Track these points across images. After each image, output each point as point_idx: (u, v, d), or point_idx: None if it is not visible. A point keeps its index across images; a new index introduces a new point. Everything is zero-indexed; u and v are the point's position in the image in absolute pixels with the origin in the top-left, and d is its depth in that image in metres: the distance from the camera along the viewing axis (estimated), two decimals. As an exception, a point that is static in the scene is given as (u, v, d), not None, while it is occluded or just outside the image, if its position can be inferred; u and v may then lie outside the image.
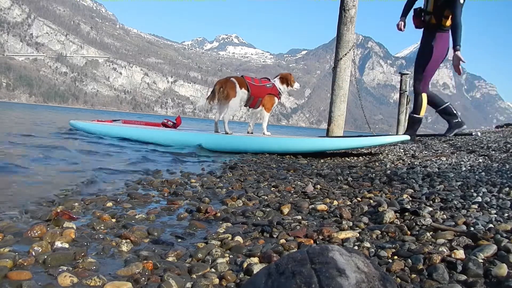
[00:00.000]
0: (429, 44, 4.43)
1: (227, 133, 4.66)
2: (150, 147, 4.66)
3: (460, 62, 4.06)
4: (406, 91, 9.85)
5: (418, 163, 3.16)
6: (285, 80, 4.48)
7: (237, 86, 4.24)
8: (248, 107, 4.60)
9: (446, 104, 4.68)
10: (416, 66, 4.65)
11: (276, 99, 4.56)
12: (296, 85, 4.66)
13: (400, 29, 4.78)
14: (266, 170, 3.10)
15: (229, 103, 4.20)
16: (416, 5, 4.65)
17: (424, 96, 4.51)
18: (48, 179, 2.33)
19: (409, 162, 3.33)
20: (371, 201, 1.87)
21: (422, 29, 4.61)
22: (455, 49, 4.14)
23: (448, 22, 4.30)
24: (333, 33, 6.14)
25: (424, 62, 4.45)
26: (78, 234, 1.28)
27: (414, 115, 4.59)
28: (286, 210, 1.74)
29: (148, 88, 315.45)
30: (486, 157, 3.14)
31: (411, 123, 4.63)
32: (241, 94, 4.28)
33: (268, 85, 4.40)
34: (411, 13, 4.67)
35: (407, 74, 9.51)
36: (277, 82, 4.43)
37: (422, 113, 4.54)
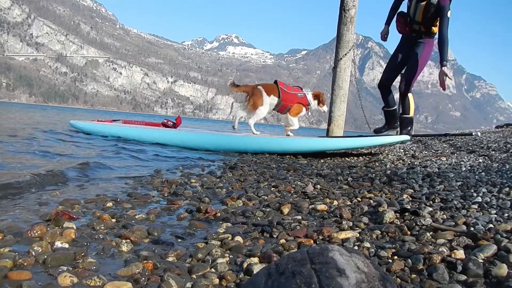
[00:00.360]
0: (417, 49, 4.48)
1: (254, 134, 4.69)
2: (149, 147, 4.66)
3: (446, 78, 4.14)
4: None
5: (418, 163, 3.16)
6: (317, 97, 4.56)
7: (264, 94, 4.31)
8: (276, 111, 4.66)
9: (394, 108, 4.81)
10: (391, 67, 4.69)
11: (304, 109, 4.62)
12: (325, 108, 4.73)
13: (384, 40, 4.83)
14: (266, 170, 3.10)
15: (256, 111, 4.29)
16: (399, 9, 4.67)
17: (410, 96, 4.59)
18: (48, 179, 2.32)
19: (409, 162, 3.34)
20: (371, 201, 1.87)
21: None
22: (442, 64, 4.21)
23: (437, 30, 4.36)
24: (333, 33, 6.14)
25: (412, 66, 4.50)
26: (78, 234, 1.28)
27: (405, 116, 4.65)
28: (286, 210, 1.74)
29: (148, 88, 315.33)
30: (486, 157, 3.14)
31: (404, 124, 4.67)
32: (269, 101, 4.36)
33: (299, 94, 4.49)
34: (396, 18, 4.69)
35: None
36: (309, 95, 4.52)
37: (412, 113, 4.62)
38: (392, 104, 4.81)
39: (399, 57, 4.64)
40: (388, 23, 4.76)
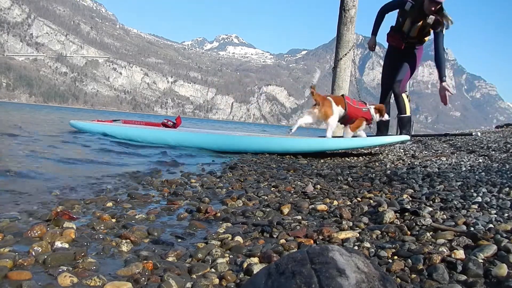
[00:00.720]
0: (411, 54, 4.66)
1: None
2: (149, 147, 4.66)
3: (447, 93, 4.25)
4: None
5: (418, 163, 3.16)
6: (379, 111, 4.63)
7: (334, 104, 4.37)
8: (340, 123, 4.70)
9: (388, 119, 4.95)
10: (387, 72, 4.86)
11: (364, 123, 4.68)
12: (386, 117, 4.80)
13: (372, 50, 4.95)
14: (266, 170, 3.10)
15: (328, 121, 4.34)
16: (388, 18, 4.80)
17: (404, 96, 4.72)
18: (49, 179, 2.32)
19: (409, 162, 3.34)
20: (371, 201, 1.87)
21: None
22: (441, 80, 4.33)
23: (428, 38, 4.55)
24: (333, 33, 6.13)
25: (406, 69, 4.66)
26: (78, 234, 1.28)
27: (402, 115, 4.71)
28: (286, 210, 1.74)
29: (148, 88, 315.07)
30: (486, 157, 3.14)
31: (402, 124, 4.75)
32: (338, 111, 4.41)
33: (364, 109, 4.56)
34: (384, 28, 4.89)
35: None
36: (372, 109, 4.60)
37: (408, 112, 4.72)
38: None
39: (392, 63, 4.81)
40: (375, 33, 4.91)
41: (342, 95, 4.61)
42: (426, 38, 4.54)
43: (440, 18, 4.21)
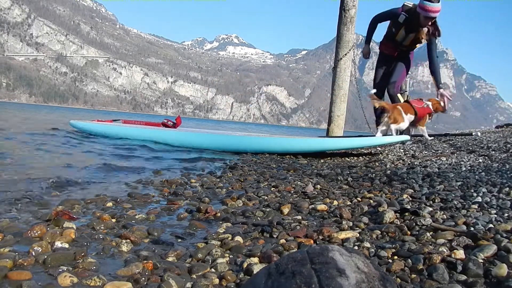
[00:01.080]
0: (405, 59, 4.83)
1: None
2: (149, 147, 4.66)
3: (446, 99, 4.37)
4: (406, 91, 9.85)
5: (418, 163, 3.16)
6: (437, 105, 4.71)
7: (403, 113, 4.47)
8: (411, 126, 4.82)
9: None
10: (380, 75, 5.00)
11: (427, 116, 4.79)
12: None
13: (367, 58, 5.11)
14: (266, 170, 3.10)
15: (393, 126, 4.44)
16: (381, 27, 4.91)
17: (400, 96, 4.87)
18: (49, 179, 2.32)
19: (409, 162, 3.33)
20: (371, 201, 1.87)
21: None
22: (438, 87, 4.47)
23: (419, 45, 4.72)
24: (333, 33, 6.14)
25: (400, 70, 4.84)
26: (78, 234, 1.28)
27: None
28: (286, 210, 1.74)
29: (148, 88, 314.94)
30: (486, 157, 3.14)
31: None
32: (407, 118, 4.57)
33: (424, 106, 4.67)
34: (378, 37, 5.01)
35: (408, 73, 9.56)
36: (429, 104, 4.70)
37: None
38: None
39: (387, 66, 4.92)
40: (368, 42, 5.01)
41: (406, 100, 4.74)
42: (418, 45, 4.70)
43: (434, 29, 4.37)
